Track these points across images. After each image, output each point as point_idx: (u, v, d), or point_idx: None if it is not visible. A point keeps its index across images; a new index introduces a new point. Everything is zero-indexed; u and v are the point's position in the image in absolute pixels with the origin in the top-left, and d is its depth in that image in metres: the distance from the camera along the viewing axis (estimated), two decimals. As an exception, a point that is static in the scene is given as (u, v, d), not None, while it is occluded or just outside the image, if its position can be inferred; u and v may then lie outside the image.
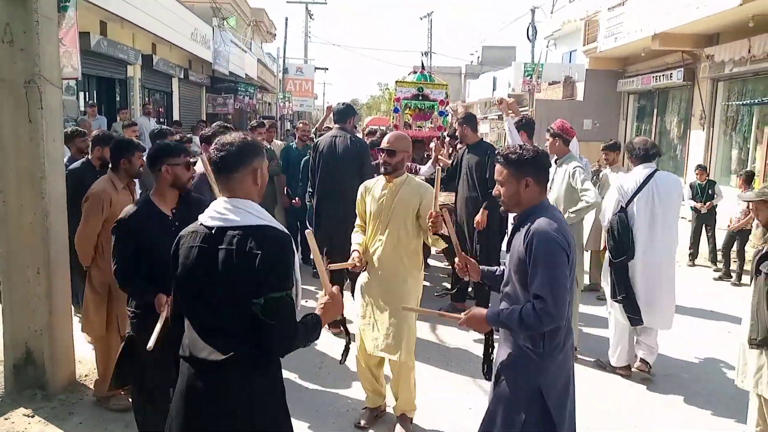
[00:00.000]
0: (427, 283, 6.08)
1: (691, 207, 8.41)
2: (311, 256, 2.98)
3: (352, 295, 4.75)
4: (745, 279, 7.25)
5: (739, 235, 7.66)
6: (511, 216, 2.62)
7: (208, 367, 1.89)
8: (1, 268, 3.79)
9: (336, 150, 5.21)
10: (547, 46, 26.22)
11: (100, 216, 3.54)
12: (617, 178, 5.35)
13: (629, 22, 13.81)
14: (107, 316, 3.63)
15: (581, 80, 17.83)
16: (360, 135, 7.37)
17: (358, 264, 3.48)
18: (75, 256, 3.75)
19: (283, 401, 2.04)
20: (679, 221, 4.51)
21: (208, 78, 20.03)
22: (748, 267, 6.45)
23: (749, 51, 10.85)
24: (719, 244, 8.12)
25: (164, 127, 8.88)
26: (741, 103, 12.00)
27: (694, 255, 8.51)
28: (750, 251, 7.13)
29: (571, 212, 4.40)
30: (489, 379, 2.63)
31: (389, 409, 3.75)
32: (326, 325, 2.17)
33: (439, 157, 6.06)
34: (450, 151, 6.77)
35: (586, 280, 6.61)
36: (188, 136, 9.37)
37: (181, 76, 17.07)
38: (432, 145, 6.48)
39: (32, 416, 3.58)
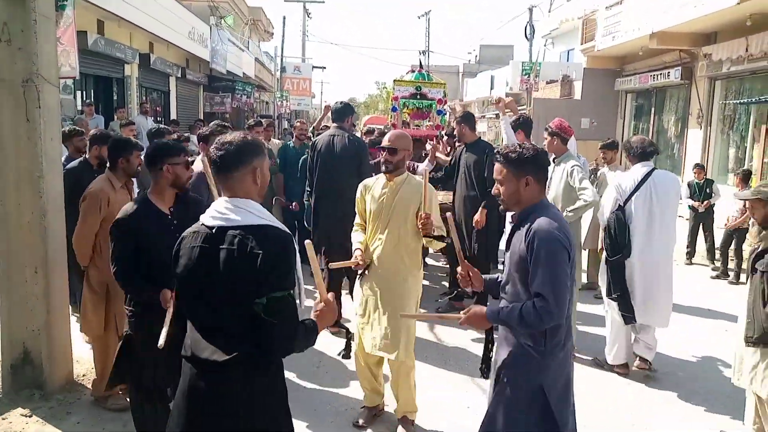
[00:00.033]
0: (426, 282, 6.08)
1: (689, 206, 8.42)
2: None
3: (351, 296, 4.75)
4: (743, 277, 7.26)
5: (737, 234, 7.68)
6: (509, 215, 2.62)
7: (211, 368, 1.89)
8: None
9: (334, 149, 5.21)
10: (545, 45, 26.23)
11: (97, 215, 3.53)
12: (615, 176, 5.36)
13: (627, 21, 13.84)
14: (105, 315, 3.62)
15: (579, 79, 17.84)
16: (358, 134, 7.37)
17: (360, 263, 3.48)
18: (73, 255, 3.74)
19: (285, 401, 2.04)
20: (676, 220, 4.52)
21: (205, 77, 20.00)
22: (745, 265, 6.47)
23: (747, 50, 10.86)
24: (717, 242, 8.14)
25: (162, 126, 8.86)
26: (738, 101, 12.00)
27: (691, 253, 8.53)
28: (747, 249, 7.14)
29: (569, 211, 4.41)
30: (487, 378, 2.64)
31: (388, 408, 3.75)
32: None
33: (437, 154, 6.05)
34: (448, 150, 6.77)
35: (584, 279, 6.62)
36: (186, 135, 9.36)
37: (179, 75, 17.04)
38: (428, 146, 6.47)
39: (30, 416, 3.57)
